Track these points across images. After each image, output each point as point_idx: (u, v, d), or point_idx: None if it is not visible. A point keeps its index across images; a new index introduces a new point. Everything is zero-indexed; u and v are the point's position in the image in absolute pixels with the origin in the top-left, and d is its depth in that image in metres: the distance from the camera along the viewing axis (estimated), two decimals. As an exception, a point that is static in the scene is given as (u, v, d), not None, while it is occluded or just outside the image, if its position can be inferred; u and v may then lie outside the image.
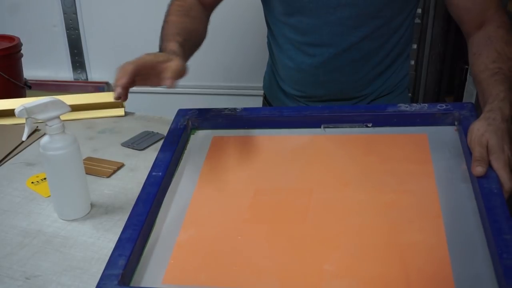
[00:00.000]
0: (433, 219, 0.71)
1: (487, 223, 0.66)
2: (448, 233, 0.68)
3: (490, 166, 0.74)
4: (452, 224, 0.70)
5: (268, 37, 1.22)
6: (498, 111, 0.79)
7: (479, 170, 0.73)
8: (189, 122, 0.97)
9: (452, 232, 0.69)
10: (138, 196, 0.79)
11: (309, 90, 1.16)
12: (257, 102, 1.34)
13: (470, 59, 0.95)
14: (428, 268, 0.64)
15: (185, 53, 0.91)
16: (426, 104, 0.91)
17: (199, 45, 1.04)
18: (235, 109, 0.97)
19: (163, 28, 0.99)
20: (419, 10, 2.00)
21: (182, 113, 0.99)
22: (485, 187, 0.71)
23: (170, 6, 1.05)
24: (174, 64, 0.81)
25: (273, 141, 0.93)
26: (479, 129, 0.77)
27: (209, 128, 0.98)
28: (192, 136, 0.97)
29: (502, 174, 0.73)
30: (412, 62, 2.09)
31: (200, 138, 0.96)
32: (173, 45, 0.89)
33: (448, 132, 0.88)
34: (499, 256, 0.61)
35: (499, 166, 0.73)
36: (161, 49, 0.91)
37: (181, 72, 0.82)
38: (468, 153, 0.78)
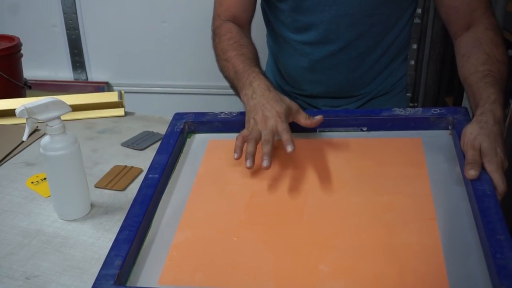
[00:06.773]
0: (428, 220, 0.71)
1: (480, 224, 0.67)
2: (442, 234, 0.69)
3: (483, 169, 0.75)
4: (446, 226, 0.70)
5: (267, 36, 1.23)
6: (490, 114, 0.79)
7: (472, 173, 0.73)
8: (186, 126, 0.97)
9: (446, 233, 0.69)
10: (135, 198, 0.80)
11: (307, 88, 1.16)
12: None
13: (459, 60, 0.95)
14: (422, 268, 0.65)
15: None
16: (420, 109, 0.92)
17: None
18: (231, 112, 0.98)
19: (232, 65, 1.00)
20: (419, 10, 2.00)
21: (178, 117, 0.99)
22: (478, 189, 0.72)
23: (218, 43, 1.06)
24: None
25: None
26: (471, 132, 0.78)
27: (205, 131, 0.98)
28: (188, 140, 0.97)
29: (496, 176, 0.73)
30: (412, 62, 2.10)
31: (197, 141, 0.97)
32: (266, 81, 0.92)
33: (442, 136, 0.88)
34: (492, 256, 0.61)
35: (492, 169, 0.74)
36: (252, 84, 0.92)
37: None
38: (461, 156, 0.79)
